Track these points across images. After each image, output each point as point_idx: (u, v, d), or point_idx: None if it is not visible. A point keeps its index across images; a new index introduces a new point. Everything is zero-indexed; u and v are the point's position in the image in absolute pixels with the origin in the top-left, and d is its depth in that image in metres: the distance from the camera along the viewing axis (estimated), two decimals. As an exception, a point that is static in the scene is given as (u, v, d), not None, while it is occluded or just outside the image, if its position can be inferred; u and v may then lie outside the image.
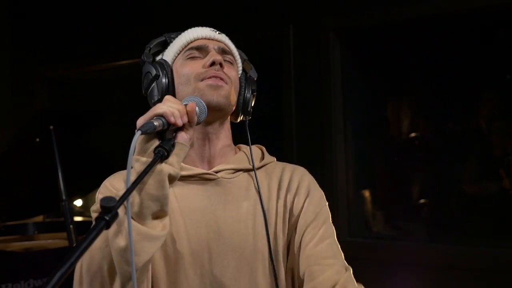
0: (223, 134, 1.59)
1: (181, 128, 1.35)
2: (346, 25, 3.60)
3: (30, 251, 3.61)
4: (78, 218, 4.38)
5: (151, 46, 1.61)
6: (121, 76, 4.91)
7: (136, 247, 1.29)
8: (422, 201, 3.74)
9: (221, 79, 1.51)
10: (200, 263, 1.48)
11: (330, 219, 1.60)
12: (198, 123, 1.41)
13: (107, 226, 1.06)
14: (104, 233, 1.30)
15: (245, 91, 1.61)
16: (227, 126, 1.61)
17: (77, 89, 5.25)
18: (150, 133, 1.25)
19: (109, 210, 1.06)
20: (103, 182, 1.53)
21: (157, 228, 1.33)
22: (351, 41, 3.67)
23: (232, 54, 1.61)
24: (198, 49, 1.56)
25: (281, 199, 1.57)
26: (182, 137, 1.35)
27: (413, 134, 3.78)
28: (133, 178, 1.24)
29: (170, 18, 4.21)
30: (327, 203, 1.62)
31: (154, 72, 1.55)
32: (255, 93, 1.63)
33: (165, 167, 1.31)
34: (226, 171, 1.56)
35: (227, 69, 1.55)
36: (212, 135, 1.56)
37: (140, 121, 1.29)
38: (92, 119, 3.82)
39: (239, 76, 1.62)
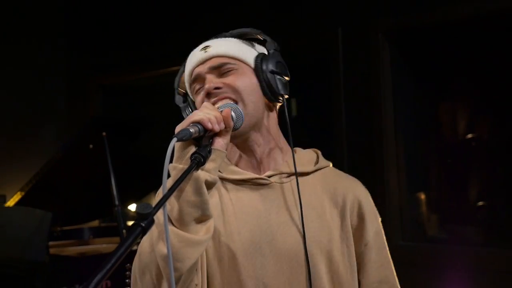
0: (265, 139, 1.58)
1: (218, 134, 1.36)
2: (395, 26, 3.55)
3: (84, 255, 3.67)
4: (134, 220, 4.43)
5: (176, 86, 1.65)
6: (173, 82, 4.95)
7: (179, 253, 1.32)
8: (480, 203, 3.64)
9: (229, 99, 1.50)
10: (253, 266, 1.49)
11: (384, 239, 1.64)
12: (235, 129, 1.42)
13: (143, 232, 1.07)
14: (150, 238, 1.37)
15: (262, 75, 1.54)
16: (267, 129, 1.58)
17: (130, 96, 5.32)
18: (186, 139, 1.27)
19: (145, 216, 1.07)
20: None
21: (200, 232, 1.35)
22: (400, 42, 3.63)
23: (230, 59, 1.55)
24: (197, 81, 1.56)
25: (342, 214, 1.58)
26: (218, 143, 1.36)
27: (469, 135, 3.69)
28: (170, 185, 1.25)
29: (217, 23, 4.22)
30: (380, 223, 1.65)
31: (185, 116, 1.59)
32: (276, 71, 1.55)
33: (201, 174, 1.33)
34: (279, 175, 1.56)
35: (228, 79, 1.52)
36: (252, 144, 1.56)
37: (178, 128, 1.31)
38: (144, 125, 3.87)
39: (255, 63, 1.55)
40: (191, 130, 1.26)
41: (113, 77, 5.03)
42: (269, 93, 1.54)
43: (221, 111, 1.37)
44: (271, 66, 1.55)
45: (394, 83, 3.61)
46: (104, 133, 3.49)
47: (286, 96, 1.58)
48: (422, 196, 3.83)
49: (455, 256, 3.37)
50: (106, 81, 5.08)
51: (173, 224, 1.35)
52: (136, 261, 1.42)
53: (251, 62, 1.56)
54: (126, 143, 3.82)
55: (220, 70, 1.53)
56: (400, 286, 1.56)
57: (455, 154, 3.78)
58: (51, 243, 3.56)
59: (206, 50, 1.56)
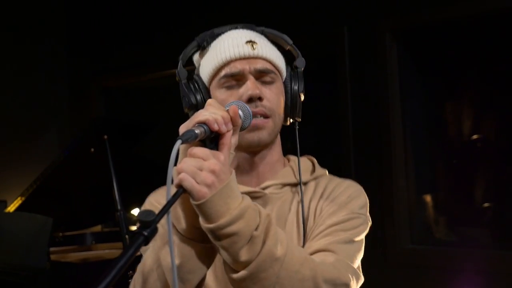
0: (272, 153, 1.51)
1: (226, 134, 1.26)
2: (402, 25, 3.51)
3: (87, 261, 3.61)
4: (135, 228, 4.38)
5: (183, 58, 1.49)
6: (176, 84, 4.91)
7: (189, 265, 1.27)
8: (486, 205, 3.59)
9: (263, 115, 1.41)
10: None
11: (361, 236, 1.43)
12: (242, 129, 1.33)
13: (146, 242, 1.00)
14: (155, 254, 1.30)
15: (291, 93, 1.48)
16: (275, 145, 1.51)
17: (133, 98, 5.28)
18: (191, 141, 1.18)
19: (148, 224, 1.00)
20: (147, 198, 1.51)
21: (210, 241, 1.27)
22: (407, 41, 3.59)
23: (273, 68, 1.45)
24: (234, 77, 1.42)
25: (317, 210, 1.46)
26: (225, 144, 1.26)
27: (475, 136, 3.64)
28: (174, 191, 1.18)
29: (220, 24, 4.17)
30: (366, 218, 1.46)
31: (191, 100, 1.46)
32: (302, 91, 1.49)
33: None
34: (274, 186, 1.48)
35: (267, 92, 1.42)
36: (258, 160, 1.48)
37: (182, 129, 1.22)
38: (146, 127, 3.81)
39: (284, 79, 1.49)
40: (196, 132, 1.17)
41: (116, 80, 4.99)
42: (291, 115, 1.49)
43: (227, 109, 1.27)
44: (301, 88, 1.48)
45: (401, 83, 3.57)
46: (105, 136, 3.44)
47: (299, 120, 1.51)
48: (428, 199, 3.78)
49: (464, 259, 3.33)
50: (108, 83, 5.04)
51: (179, 233, 1.28)
52: (138, 281, 1.34)
53: (283, 75, 1.49)
54: (128, 146, 3.76)
55: (263, 77, 1.43)
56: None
57: (462, 155, 3.74)
58: (52, 249, 3.51)
59: (254, 46, 1.43)
